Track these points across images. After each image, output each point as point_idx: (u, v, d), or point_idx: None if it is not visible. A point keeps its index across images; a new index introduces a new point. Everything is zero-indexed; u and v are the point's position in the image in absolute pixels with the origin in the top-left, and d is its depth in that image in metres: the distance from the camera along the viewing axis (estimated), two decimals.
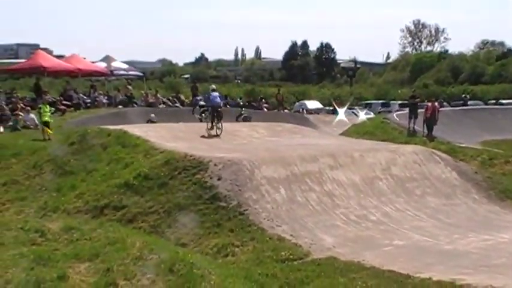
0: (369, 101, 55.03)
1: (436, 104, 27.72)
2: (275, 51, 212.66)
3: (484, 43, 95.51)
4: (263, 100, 45.71)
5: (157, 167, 14.80)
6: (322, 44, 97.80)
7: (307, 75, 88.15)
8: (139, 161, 15.76)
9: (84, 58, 37.41)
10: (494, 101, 48.06)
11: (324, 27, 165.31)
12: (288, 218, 12.65)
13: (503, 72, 72.26)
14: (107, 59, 37.55)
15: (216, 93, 21.17)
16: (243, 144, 19.09)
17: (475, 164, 20.39)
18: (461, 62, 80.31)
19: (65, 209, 14.38)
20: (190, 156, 14.86)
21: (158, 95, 35.73)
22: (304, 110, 43.61)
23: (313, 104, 49.14)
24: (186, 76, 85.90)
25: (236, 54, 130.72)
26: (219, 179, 13.62)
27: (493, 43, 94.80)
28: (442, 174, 16.51)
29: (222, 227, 12.19)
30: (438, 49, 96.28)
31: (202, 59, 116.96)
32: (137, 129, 18.77)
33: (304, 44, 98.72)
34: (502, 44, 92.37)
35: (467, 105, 45.00)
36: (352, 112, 41.69)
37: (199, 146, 17.41)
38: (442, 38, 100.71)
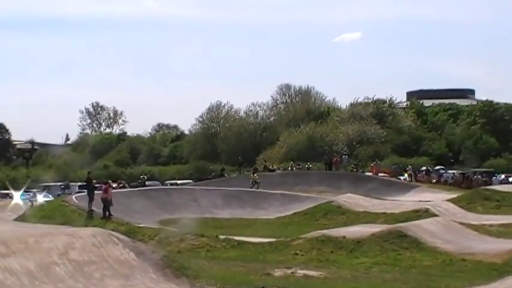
0: (47, 184, 53.21)
1: (114, 184, 28.31)
2: None
3: (160, 126, 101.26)
4: None
5: None
6: None
7: None
8: None
9: None
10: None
11: None
12: None
13: (177, 154, 77.21)
14: None
15: None
16: None
17: (153, 243, 21.05)
18: (139, 143, 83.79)
19: None
20: None
21: None
22: None
23: None
24: None
25: None
26: None
27: (168, 126, 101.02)
28: (121, 256, 16.57)
29: None
30: (117, 131, 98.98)
31: None
32: None
33: None
34: (176, 127, 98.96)
35: (146, 185, 46.87)
36: (29, 196, 39.94)
37: None
38: (120, 121, 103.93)
